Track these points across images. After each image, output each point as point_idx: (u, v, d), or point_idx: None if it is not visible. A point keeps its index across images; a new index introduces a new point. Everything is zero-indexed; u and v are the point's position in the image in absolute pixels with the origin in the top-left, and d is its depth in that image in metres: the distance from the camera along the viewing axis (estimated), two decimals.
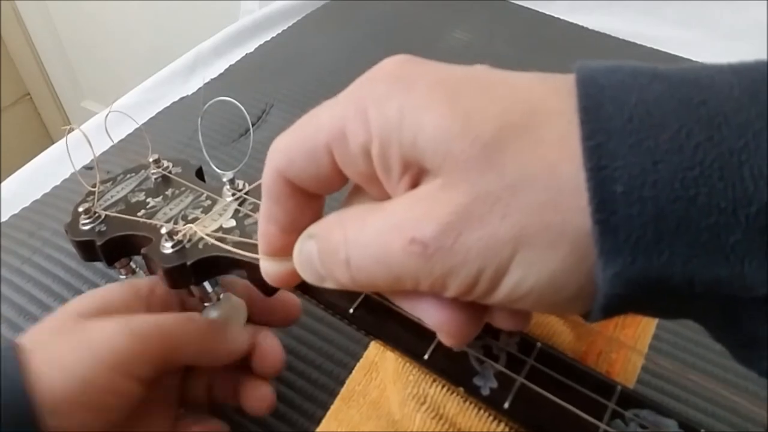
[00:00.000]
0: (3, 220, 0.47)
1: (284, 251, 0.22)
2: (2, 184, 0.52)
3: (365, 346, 0.27)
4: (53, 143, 0.57)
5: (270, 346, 0.32)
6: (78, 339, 0.26)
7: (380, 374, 0.27)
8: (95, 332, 0.26)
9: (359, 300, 0.25)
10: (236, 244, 0.29)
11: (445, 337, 0.20)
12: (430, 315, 0.19)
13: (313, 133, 0.19)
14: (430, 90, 0.17)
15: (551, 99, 0.16)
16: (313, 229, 0.20)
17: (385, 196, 0.19)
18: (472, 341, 0.24)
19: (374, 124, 0.17)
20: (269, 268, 0.23)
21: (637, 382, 0.26)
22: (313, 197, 0.21)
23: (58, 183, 0.50)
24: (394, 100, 0.17)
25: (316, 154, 0.19)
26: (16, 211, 0.47)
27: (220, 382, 0.33)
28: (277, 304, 0.34)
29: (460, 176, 0.16)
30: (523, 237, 0.15)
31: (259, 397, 0.31)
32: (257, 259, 0.28)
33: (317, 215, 0.21)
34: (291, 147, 0.19)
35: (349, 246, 0.18)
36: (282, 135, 0.20)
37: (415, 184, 0.18)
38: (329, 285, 0.20)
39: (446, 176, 0.16)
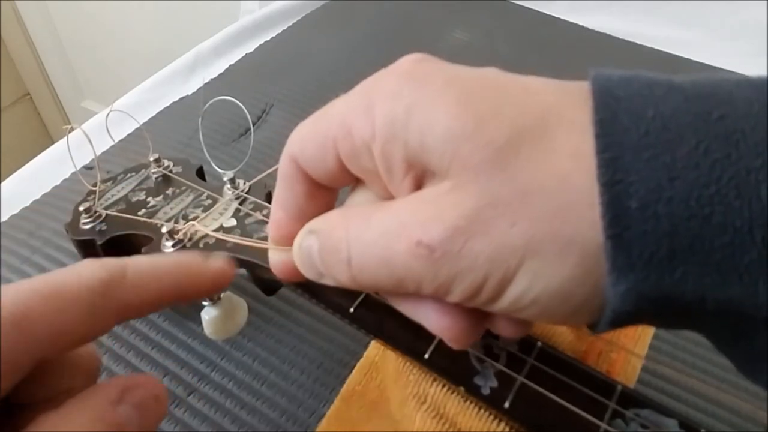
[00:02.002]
0: (3, 220, 0.47)
1: (291, 240, 0.21)
2: (2, 184, 0.51)
3: (366, 346, 0.27)
4: (53, 143, 0.57)
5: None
6: None
7: (380, 374, 0.27)
8: None
9: (359, 299, 0.25)
10: (237, 244, 0.29)
11: (446, 341, 0.20)
12: (431, 320, 0.19)
13: (325, 124, 0.19)
14: (442, 90, 0.17)
15: (565, 107, 0.16)
16: (314, 224, 0.20)
17: (388, 195, 0.19)
18: None
19: (379, 122, 0.17)
20: (274, 257, 0.23)
21: (637, 382, 0.26)
22: (324, 188, 0.21)
23: (58, 183, 0.50)
24: (403, 98, 0.17)
25: (324, 146, 0.19)
26: (16, 211, 0.47)
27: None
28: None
29: (470, 179, 0.16)
30: (531, 246, 0.15)
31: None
32: (257, 259, 0.28)
33: (327, 207, 0.21)
34: (305, 135, 0.20)
35: (351, 245, 0.18)
36: (304, 122, 0.20)
37: (418, 185, 0.17)
38: (328, 282, 0.20)
39: (455, 179, 0.16)
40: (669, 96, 0.15)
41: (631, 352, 0.27)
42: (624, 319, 0.15)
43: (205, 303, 0.32)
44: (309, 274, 0.20)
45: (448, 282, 0.16)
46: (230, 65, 0.65)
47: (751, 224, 0.13)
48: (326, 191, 0.21)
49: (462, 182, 0.16)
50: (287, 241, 0.22)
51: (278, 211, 0.22)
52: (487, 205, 0.16)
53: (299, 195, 0.21)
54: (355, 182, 0.21)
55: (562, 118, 0.16)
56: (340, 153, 0.19)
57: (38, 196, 0.49)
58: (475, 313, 0.19)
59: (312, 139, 0.19)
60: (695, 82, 0.15)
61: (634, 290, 0.14)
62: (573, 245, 0.15)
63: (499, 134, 0.16)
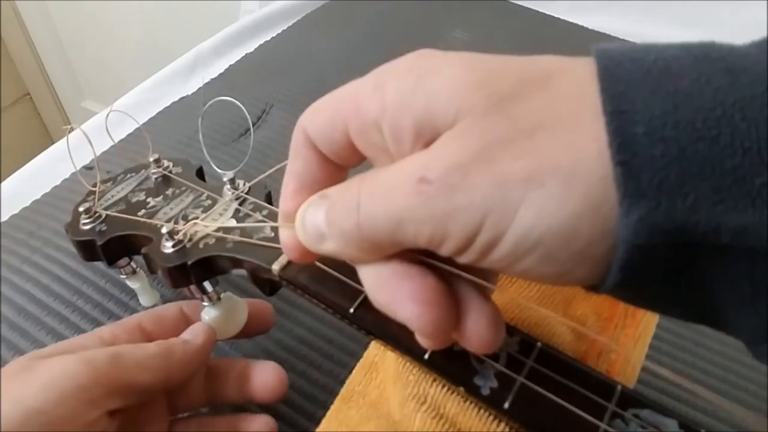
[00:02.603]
0: (3, 220, 0.47)
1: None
2: (2, 184, 0.51)
3: (365, 346, 0.27)
4: (53, 143, 0.57)
5: (269, 374, 0.32)
6: (33, 374, 0.25)
7: (380, 374, 0.27)
8: (51, 364, 0.26)
9: (359, 299, 0.25)
10: (237, 244, 0.29)
11: (420, 337, 0.20)
12: (405, 308, 0.19)
13: (336, 101, 0.20)
14: (450, 60, 0.18)
15: (569, 66, 0.16)
16: (328, 190, 0.20)
17: None
18: None
19: (389, 98, 0.18)
20: (284, 235, 0.23)
21: (637, 382, 0.26)
22: (332, 164, 0.21)
23: (58, 183, 0.50)
24: (412, 72, 0.18)
25: (334, 120, 0.19)
26: (16, 211, 0.47)
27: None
28: (253, 311, 0.34)
29: (474, 123, 0.16)
30: (534, 179, 0.15)
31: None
32: (256, 259, 0.28)
33: (334, 183, 0.21)
34: (318, 108, 0.20)
35: (362, 193, 0.18)
36: (322, 97, 0.21)
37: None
38: (327, 246, 0.20)
39: (460, 124, 0.16)
40: (668, 48, 0.15)
41: (626, 362, 0.27)
42: (636, 262, 0.15)
43: (205, 303, 0.32)
44: (309, 237, 0.20)
45: (445, 220, 0.16)
46: (230, 65, 0.65)
47: (759, 146, 0.13)
48: (335, 167, 0.21)
49: (466, 126, 0.16)
50: (292, 217, 0.22)
51: (289, 183, 0.22)
52: (489, 144, 0.16)
53: (310, 163, 0.21)
54: (355, 160, 0.21)
55: (566, 72, 0.16)
56: (349, 129, 0.19)
57: (38, 196, 0.49)
58: (448, 307, 0.19)
59: (322, 112, 0.20)
60: (693, 42, 0.16)
61: (647, 219, 0.14)
62: (578, 176, 0.15)
63: (502, 86, 0.16)
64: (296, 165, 0.21)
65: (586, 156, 0.15)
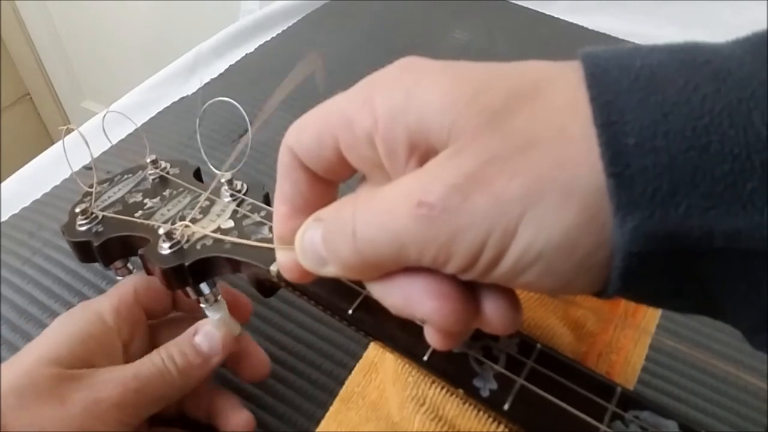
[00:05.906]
0: (3, 220, 0.47)
1: (293, 238, 0.21)
2: (2, 184, 0.51)
3: (365, 347, 0.27)
4: (53, 143, 0.57)
5: (254, 355, 0.32)
6: (66, 407, 0.26)
7: (380, 375, 0.27)
8: (81, 401, 0.26)
9: (358, 301, 0.25)
10: (234, 245, 0.29)
11: (435, 334, 0.20)
12: (422, 305, 0.18)
13: (323, 116, 0.19)
14: (437, 72, 0.17)
15: (556, 74, 0.17)
16: (321, 212, 0.20)
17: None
18: (471, 342, 0.24)
19: (380, 110, 0.17)
20: (282, 257, 0.22)
21: (637, 383, 0.26)
22: (323, 181, 0.21)
23: (58, 183, 0.50)
24: (401, 84, 0.17)
25: (322, 136, 0.19)
26: (16, 211, 0.47)
27: (193, 399, 0.32)
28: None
29: (468, 142, 0.16)
30: (532, 195, 0.15)
31: (238, 422, 0.31)
32: (254, 260, 0.28)
33: (330, 201, 0.21)
34: (302, 125, 0.20)
35: (357, 218, 0.18)
36: (303, 115, 0.20)
37: (422, 165, 0.18)
38: (329, 270, 0.19)
39: (454, 145, 0.16)
40: (654, 52, 0.16)
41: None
42: (635, 269, 0.15)
43: (203, 305, 0.32)
44: (310, 262, 0.20)
45: (449, 242, 0.16)
46: (230, 65, 0.65)
47: (749, 150, 0.14)
48: (325, 185, 0.21)
49: (460, 146, 0.16)
50: (292, 238, 0.21)
51: (281, 206, 0.22)
52: (485, 162, 0.16)
53: (300, 183, 0.21)
54: (345, 174, 0.21)
55: (555, 82, 0.16)
56: (340, 144, 0.19)
57: (38, 196, 0.49)
58: (464, 296, 0.18)
59: (309, 129, 0.20)
60: (678, 43, 0.16)
61: (642, 228, 0.14)
62: (573, 190, 0.15)
63: (493, 100, 0.16)
64: (285, 186, 0.21)
65: (579, 169, 0.15)
